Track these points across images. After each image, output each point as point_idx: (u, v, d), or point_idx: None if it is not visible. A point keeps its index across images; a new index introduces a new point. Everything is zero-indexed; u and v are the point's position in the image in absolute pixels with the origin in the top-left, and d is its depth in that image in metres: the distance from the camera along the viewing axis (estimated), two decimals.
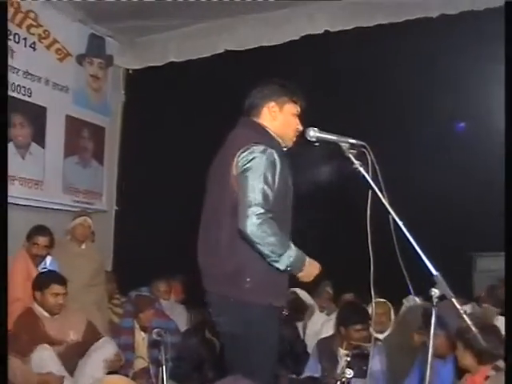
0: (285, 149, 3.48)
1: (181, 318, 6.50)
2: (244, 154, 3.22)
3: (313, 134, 3.11)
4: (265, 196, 3.14)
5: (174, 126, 8.01)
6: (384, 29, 6.88)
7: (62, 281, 5.14)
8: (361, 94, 7.48)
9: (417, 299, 5.09)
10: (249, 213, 3.10)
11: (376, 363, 4.87)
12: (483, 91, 7.48)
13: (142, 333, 5.60)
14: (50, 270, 5.48)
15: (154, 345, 5.00)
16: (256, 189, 3.14)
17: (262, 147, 3.22)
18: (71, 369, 4.89)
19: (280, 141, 3.45)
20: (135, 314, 5.64)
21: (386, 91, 7.51)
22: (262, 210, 3.10)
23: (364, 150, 2.98)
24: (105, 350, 5.03)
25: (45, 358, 4.70)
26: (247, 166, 3.19)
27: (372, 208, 2.95)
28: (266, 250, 3.13)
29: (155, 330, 4.44)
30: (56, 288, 5.05)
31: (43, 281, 5.12)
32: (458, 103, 8.04)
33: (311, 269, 3.30)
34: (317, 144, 3.12)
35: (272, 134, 3.43)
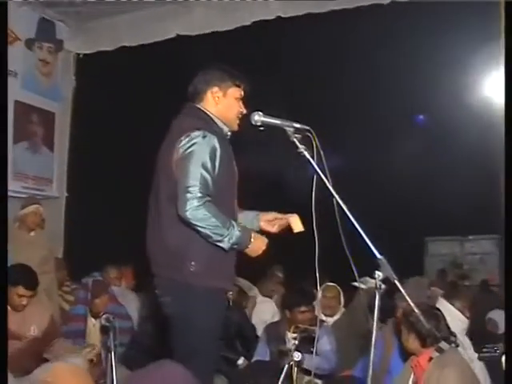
0: (229, 133, 3.56)
1: (132, 304, 6.49)
2: (184, 140, 3.29)
3: (257, 118, 3.17)
4: (203, 181, 3.23)
5: (126, 112, 7.97)
6: (336, 15, 6.91)
7: (32, 284, 4.91)
8: (314, 80, 7.53)
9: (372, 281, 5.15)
10: (187, 197, 3.19)
11: (325, 343, 4.97)
12: (444, 81, 7.60)
13: (93, 319, 5.57)
14: (22, 267, 5.09)
15: (105, 331, 4.98)
16: (194, 174, 3.23)
17: (201, 133, 3.30)
18: (28, 366, 4.67)
19: (223, 126, 3.53)
20: (90, 300, 5.60)
21: (338, 77, 7.57)
22: (200, 194, 3.19)
23: (309, 135, 3.03)
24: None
25: None
26: (187, 152, 3.27)
27: (324, 192, 3.00)
28: (208, 232, 3.22)
29: (104, 316, 4.43)
30: (22, 291, 4.84)
31: (12, 277, 4.71)
32: (416, 93, 8.16)
33: (258, 243, 3.40)
34: (262, 128, 3.18)
35: (214, 119, 3.51)
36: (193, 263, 3.29)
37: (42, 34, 7.96)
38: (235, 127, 3.58)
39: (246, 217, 3.66)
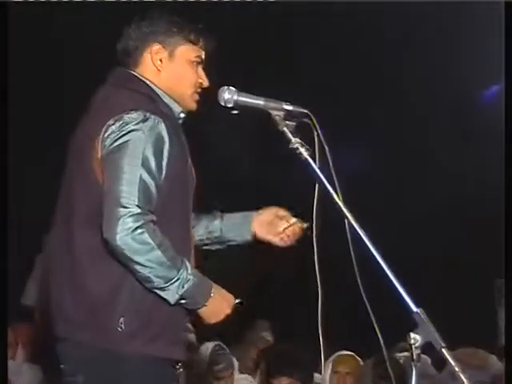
0: (182, 115, 3.51)
1: None
2: (113, 126, 3.22)
3: (228, 96, 3.19)
4: (144, 189, 3.15)
5: (31, 82, 7.97)
6: None
7: None
8: (320, 45, 7.61)
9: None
10: (119, 214, 3.09)
11: None
12: None
13: None
14: None
15: None
16: (130, 178, 3.14)
17: (140, 114, 3.22)
18: None
19: (172, 104, 3.48)
20: None
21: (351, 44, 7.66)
22: (139, 211, 3.10)
23: (307, 121, 3.04)
24: None
25: None
26: (118, 143, 3.20)
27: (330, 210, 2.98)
28: (146, 272, 3.13)
29: None
30: None
31: None
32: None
33: (220, 302, 3.32)
34: (235, 112, 3.17)
35: (159, 93, 3.44)
36: (121, 320, 3.19)
37: None
38: (192, 105, 3.54)
39: (231, 222, 3.66)
